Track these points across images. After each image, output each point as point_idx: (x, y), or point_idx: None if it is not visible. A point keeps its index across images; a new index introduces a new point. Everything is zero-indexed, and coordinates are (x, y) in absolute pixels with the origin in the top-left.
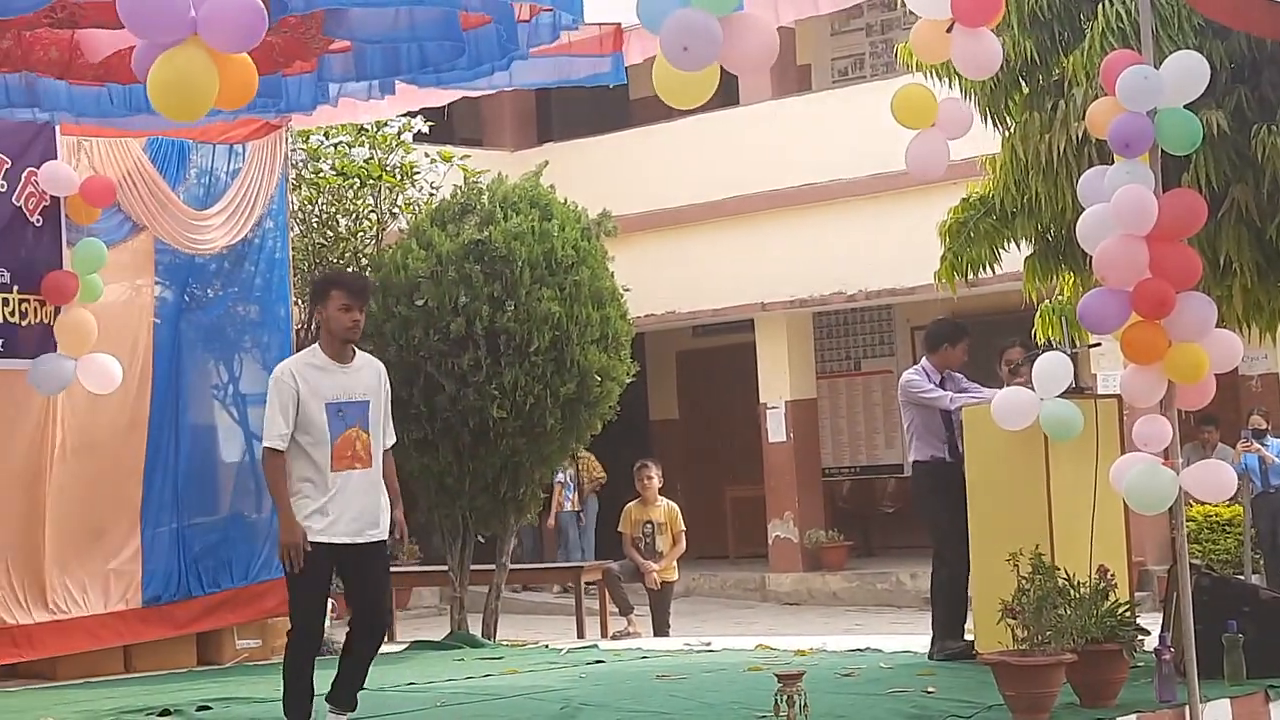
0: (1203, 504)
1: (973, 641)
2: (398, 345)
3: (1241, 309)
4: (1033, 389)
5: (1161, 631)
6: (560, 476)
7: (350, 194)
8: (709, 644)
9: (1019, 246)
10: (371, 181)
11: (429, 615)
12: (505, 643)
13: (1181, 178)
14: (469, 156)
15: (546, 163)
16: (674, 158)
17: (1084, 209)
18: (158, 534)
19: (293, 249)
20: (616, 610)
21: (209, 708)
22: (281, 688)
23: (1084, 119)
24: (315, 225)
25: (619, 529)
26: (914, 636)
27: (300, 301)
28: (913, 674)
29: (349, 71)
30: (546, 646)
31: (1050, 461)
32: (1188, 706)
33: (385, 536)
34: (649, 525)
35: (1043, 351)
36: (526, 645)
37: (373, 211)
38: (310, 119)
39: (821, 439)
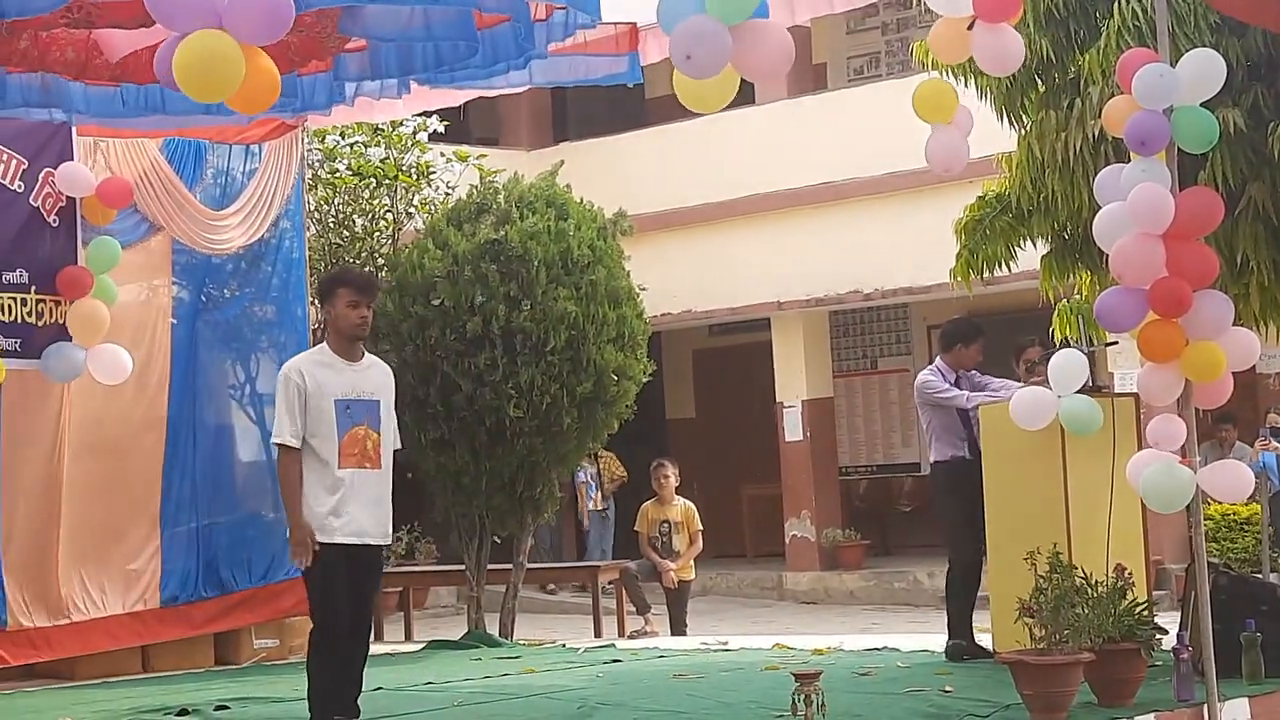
0: (1221, 502)
1: (971, 643)
2: (414, 345)
3: (1259, 307)
4: (1049, 387)
5: (1179, 630)
6: (582, 476)
7: (366, 194)
8: (726, 643)
9: (1035, 245)
10: (387, 181)
11: (446, 614)
12: (522, 642)
13: (1198, 176)
14: (485, 156)
15: (562, 162)
16: (690, 157)
17: (1100, 207)
18: (175, 534)
19: (309, 249)
20: (634, 609)
21: (226, 707)
22: (306, 687)
23: (1100, 117)
24: (331, 225)
25: (635, 528)
26: (931, 635)
27: (316, 301)
28: (930, 673)
29: (364, 70)
30: (564, 646)
31: (1068, 460)
32: (1206, 705)
33: (388, 541)
34: (666, 524)
35: (1060, 350)
36: (544, 645)
37: (389, 211)
38: (326, 118)
39: (838, 438)
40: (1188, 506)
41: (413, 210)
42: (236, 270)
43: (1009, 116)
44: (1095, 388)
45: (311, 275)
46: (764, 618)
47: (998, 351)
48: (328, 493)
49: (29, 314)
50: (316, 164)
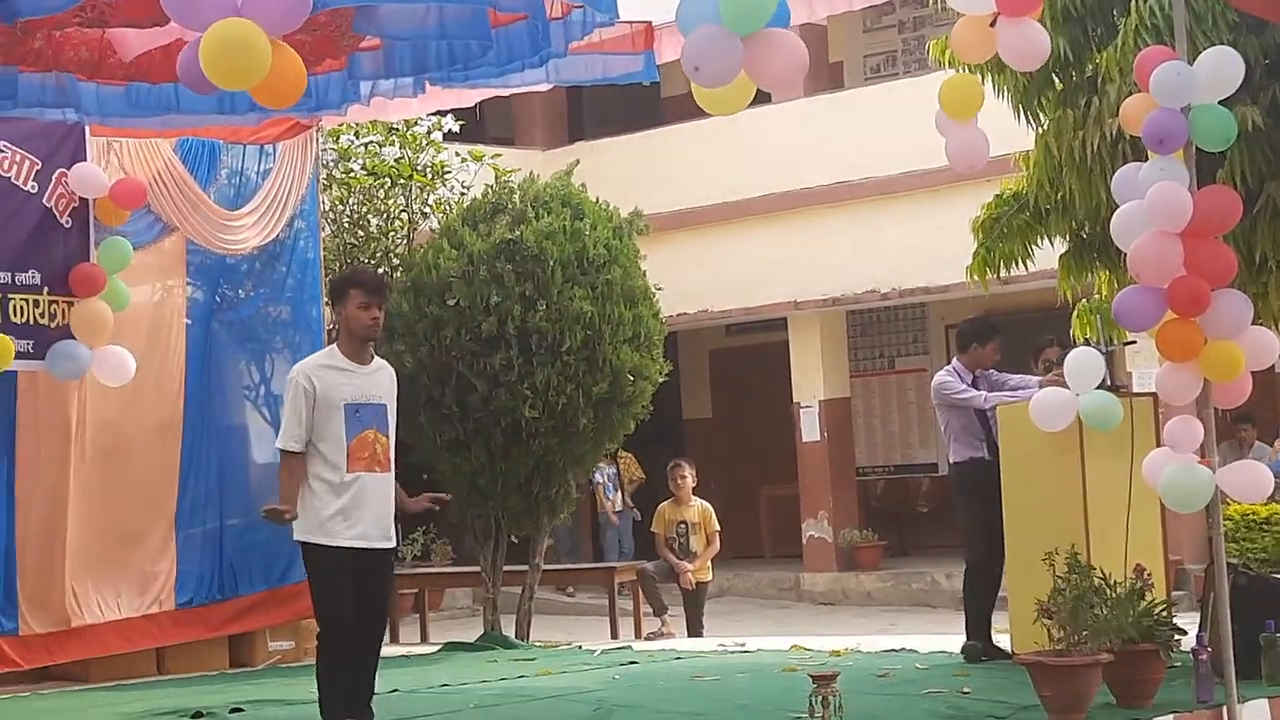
0: (1240, 502)
1: (989, 644)
2: (429, 345)
3: (1278, 306)
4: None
5: (1199, 631)
6: (600, 477)
7: (381, 194)
8: (743, 644)
9: (1053, 244)
10: (402, 181)
11: (462, 616)
12: (539, 644)
13: (1216, 174)
14: (500, 155)
15: (578, 161)
16: (706, 156)
17: (1118, 206)
18: (190, 536)
19: (324, 249)
20: (650, 611)
21: (241, 709)
22: (316, 690)
23: (1118, 115)
24: (346, 225)
25: (653, 529)
26: (949, 637)
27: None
28: (948, 674)
29: (379, 69)
30: (580, 647)
31: (1086, 460)
32: (1225, 707)
33: (394, 544)
34: (683, 525)
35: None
36: (560, 646)
37: (404, 211)
38: (341, 118)
39: (855, 438)
40: (1207, 507)
41: (428, 210)
42: (251, 270)
43: (1026, 115)
44: (1113, 387)
45: (326, 275)
46: (781, 619)
47: (1016, 351)
48: (335, 496)
49: (41, 315)
50: (331, 164)
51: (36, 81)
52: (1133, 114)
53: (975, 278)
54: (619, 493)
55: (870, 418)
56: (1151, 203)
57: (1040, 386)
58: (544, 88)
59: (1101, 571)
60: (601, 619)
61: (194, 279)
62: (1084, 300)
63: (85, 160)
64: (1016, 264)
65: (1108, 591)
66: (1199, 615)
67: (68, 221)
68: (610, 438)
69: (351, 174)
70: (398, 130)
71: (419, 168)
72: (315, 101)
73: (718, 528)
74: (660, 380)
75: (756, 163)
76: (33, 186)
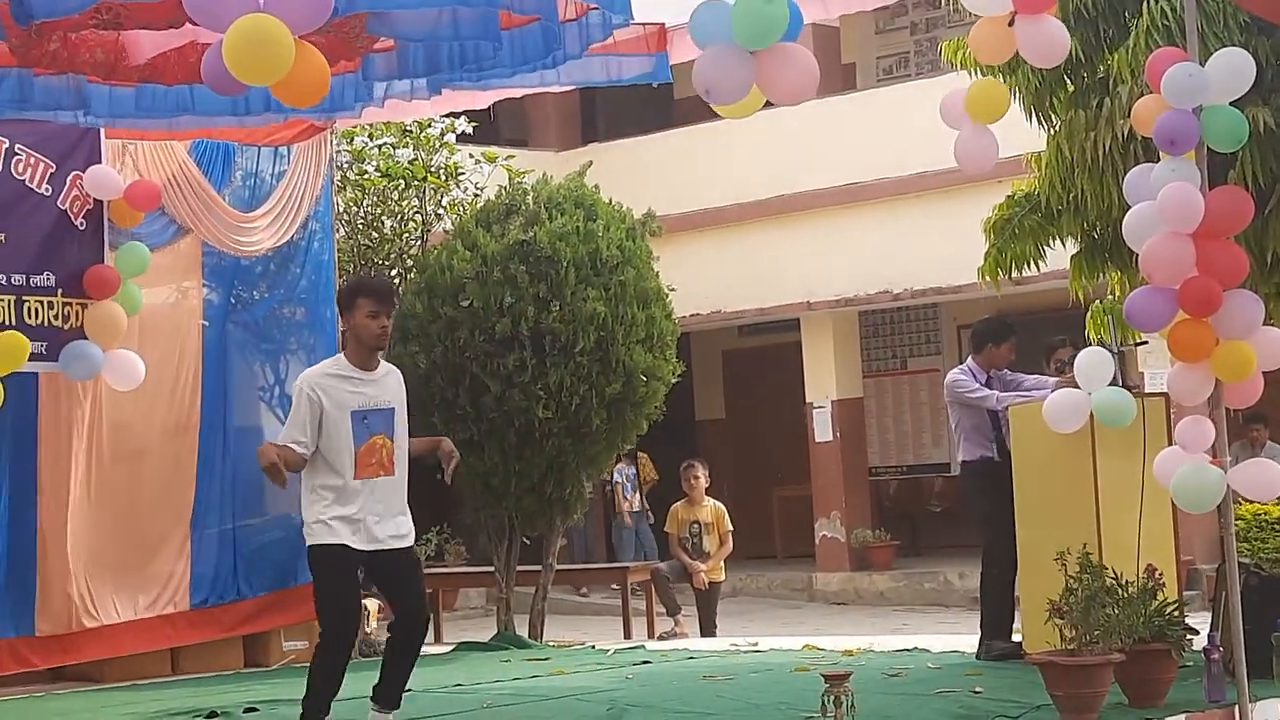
0: (1252, 502)
1: (1020, 643)
2: (443, 346)
3: None
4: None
5: (1210, 631)
6: (618, 477)
7: (395, 195)
8: (756, 644)
9: (1064, 244)
10: (416, 183)
11: (475, 616)
12: (552, 644)
13: (1228, 175)
14: (513, 157)
15: (591, 163)
16: (719, 157)
17: (1130, 207)
18: (205, 536)
19: (338, 251)
20: (663, 611)
21: (256, 709)
22: (305, 689)
23: (1129, 116)
24: (360, 227)
25: (666, 529)
26: (962, 636)
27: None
28: (960, 674)
29: (392, 70)
30: (593, 647)
31: (1098, 460)
32: (1237, 706)
33: (411, 541)
34: (696, 525)
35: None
36: (573, 646)
37: (418, 213)
38: (356, 119)
39: (868, 438)
40: (1218, 506)
41: (441, 211)
42: (266, 272)
43: (1038, 116)
44: (1125, 387)
45: (340, 277)
46: (794, 619)
47: (1029, 351)
48: (341, 503)
49: (55, 317)
50: (345, 166)
51: (52, 84)
52: (1144, 115)
53: (987, 278)
54: (637, 493)
55: (883, 418)
56: (1163, 203)
57: (1055, 388)
58: (557, 89)
59: (1113, 571)
60: (615, 619)
61: (209, 281)
62: (1097, 301)
63: (100, 163)
64: (1029, 265)
65: (1119, 591)
66: (1210, 615)
67: (82, 224)
68: (623, 438)
69: (366, 176)
70: (411, 132)
71: (433, 169)
72: (329, 103)
73: (730, 528)
74: (673, 381)
75: (769, 164)
76: (47, 189)
